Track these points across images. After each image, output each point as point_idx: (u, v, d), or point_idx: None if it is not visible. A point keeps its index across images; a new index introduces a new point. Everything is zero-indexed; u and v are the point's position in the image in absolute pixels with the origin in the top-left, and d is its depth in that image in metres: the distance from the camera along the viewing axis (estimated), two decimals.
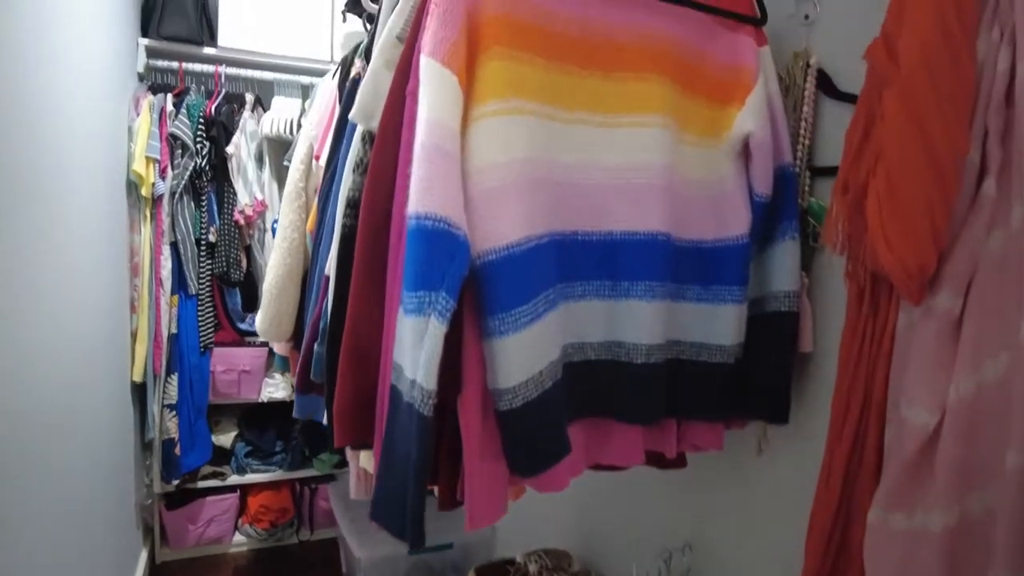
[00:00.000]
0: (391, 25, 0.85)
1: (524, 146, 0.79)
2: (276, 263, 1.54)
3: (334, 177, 1.22)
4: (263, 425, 2.65)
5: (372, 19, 2.31)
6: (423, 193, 0.71)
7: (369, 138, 0.90)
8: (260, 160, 2.43)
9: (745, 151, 0.93)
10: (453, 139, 0.73)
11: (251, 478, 2.60)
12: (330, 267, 0.99)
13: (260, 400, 2.55)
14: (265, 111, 2.50)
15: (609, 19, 0.86)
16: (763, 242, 0.97)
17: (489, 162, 0.76)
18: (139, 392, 2.23)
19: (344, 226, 0.91)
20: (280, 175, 2.51)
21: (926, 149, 0.70)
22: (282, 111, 2.45)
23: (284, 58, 2.47)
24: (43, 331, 1.20)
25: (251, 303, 2.51)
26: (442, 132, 0.72)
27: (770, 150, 0.92)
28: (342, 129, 1.25)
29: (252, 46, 2.42)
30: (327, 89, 1.55)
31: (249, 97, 2.45)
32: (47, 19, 1.26)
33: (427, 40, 0.74)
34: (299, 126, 2.45)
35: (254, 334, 2.48)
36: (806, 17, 1.01)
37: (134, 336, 2.17)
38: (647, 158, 0.89)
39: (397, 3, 0.96)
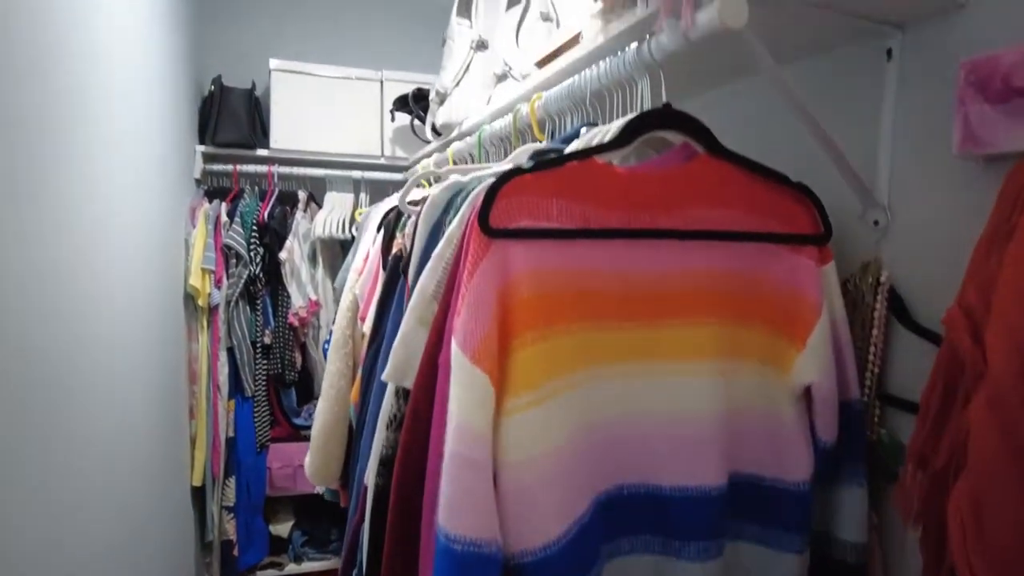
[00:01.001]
0: (424, 284, 0.82)
1: (562, 428, 0.74)
2: (323, 410, 1.54)
3: (376, 357, 1.20)
4: (319, 514, 2.67)
5: (421, 120, 2.31)
6: (452, 512, 0.67)
7: (403, 394, 0.86)
8: (313, 259, 2.46)
9: (807, 394, 0.85)
10: (483, 446, 0.68)
11: (308, 567, 2.61)
12: (366, 494, 0.96)
13: (316, 491, 2.56)
14: (319, 207, 2.54)
15: (655, 267, 0.80)
16: (827, 482, 0.89)
17: (524, 457, 0.71)
18: (198, 495, 2.28)
19: (377, 485, 0.87)
20: (333, 271, 2.53)
21: (1021, 481, 0.61)
22: (334, 209, 2.48)
23: (335, 155, 2.49)
24: (106, 443, 1.22)
25: (306, 396, 2.54)
26: (472, 440, 0.68)
27: (835, 397, 0.83)
28: (386, 303, 1.23)
29: (303, 145, 2.45)
30: (371, 238, 1.54)
31: (302, 195, 2.48)
32: (119, 135, 1.31)
33: (458, 328, 0.70)
34: (351, 222, 2.47)
35: (309, 427, 2.51)
36: (875, 223, 0.92)
37: (193, 441, 2.21)
38: (698, 408, 0.82)
39: (427, 237, 0.92)
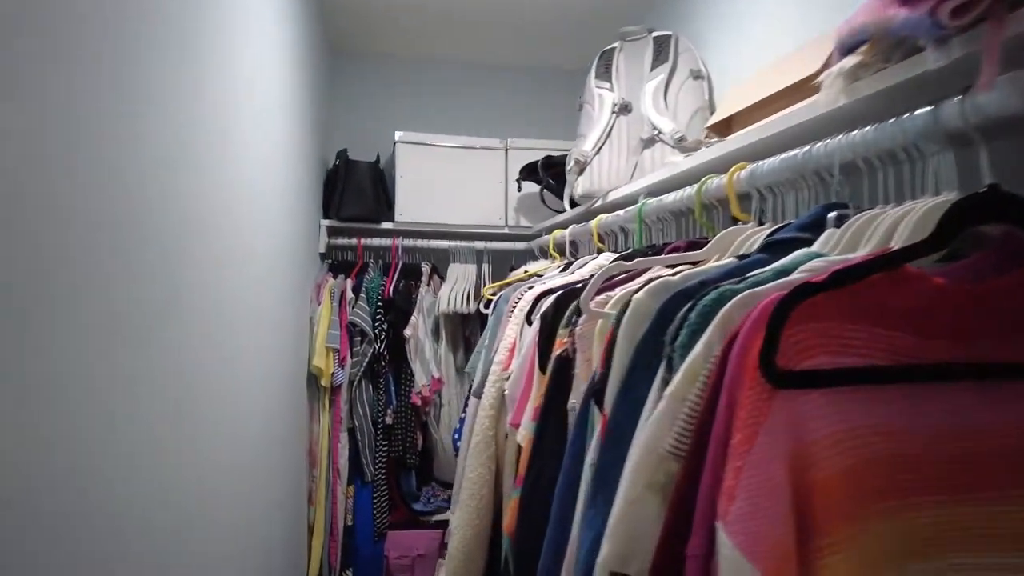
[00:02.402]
0: (653, 437, 0.62)
1: None
2: (463, 523, 1.36)
3: (539, 483, 1.01)
4: None
5: (550, 190, 2.17)
6: None
7: None
8: (436, 334, 2.34)
9: None
10: None
11: None
12: None
13: None
14: (441, 279, 2.43)
15: (967, 419, 0.57)
16: None
17: None
18: None
19: None
20: (455, 345, 2.40)
21: None
22: (457, 282, 2.36)
23: (459, 226, 2.39)
24: (222, 528, 1.09)
25: (426, 478, 2.38)
26: None
27: None
28: (548, 416, 1.05)
29: (427, 217, 2.37)
30: (515, 327, 1.37)
31: (425, 267, 2.39)
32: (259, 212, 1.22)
33: (734, 519, 0.50)
34: (476, 295, 2.34)
35: (429, 513, 2.35)
36: None
37: (311, 530, 2.09)
38: None
39: (633, 358, 0.73)
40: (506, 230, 2.43)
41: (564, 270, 1.73)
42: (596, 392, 0.81)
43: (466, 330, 2.48)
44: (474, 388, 1.50)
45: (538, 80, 2.83)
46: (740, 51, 1.72)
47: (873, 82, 0.75)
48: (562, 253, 1.99)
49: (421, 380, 2.22)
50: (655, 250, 1.23)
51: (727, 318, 0.61)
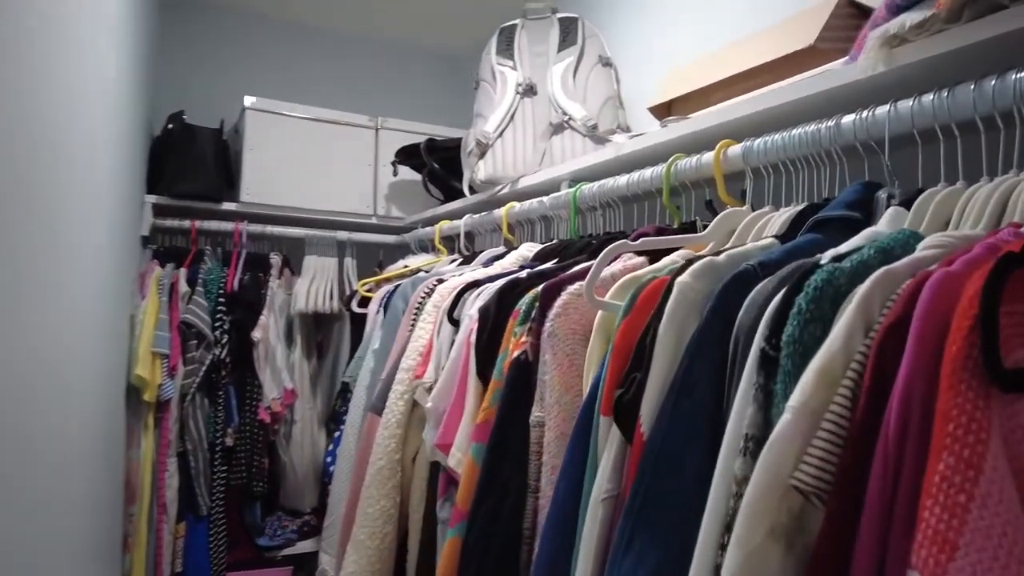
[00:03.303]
0: (776, 461, 0.45)
1: None
2: (359, 568, 1.09)
3: (495, 515, 0.80)
4: None
5: (435, 176, 1.95)
6: None
7: None
8: (289, 338, 2.00)
9: None
10: None
11: None
12: None
13: None
14: (294, 273, 2.09)
15: None
16: None
17: None
18: None
19: None
20: (309, 350, 2.07)
21: None
22: (316, 277, 2.04)
23: (318, 212, 2.07)
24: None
25: (271, 507, 2.02)
26: None
27: None
28: (506, 434, 0.84)
29: (280, 199, 2.02)
30: (429, 326, 1.15)
31: (275, 259, 2.03)
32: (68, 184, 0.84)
33: None
34: (341, 293, 2.04)
35: (275, 548, 1.99)
36: None
37: None
38: None
39: (691, 357, 0.56)
40: (374, 220, 2.15)
41: (464, 263, 1.52)
42: (621, 402, 0.62)
43: (319, 334, 2.16)
44: (370, 402, 1.24)
45: (414, 60, 2.59)
46: (650, 41, 1.65)
47: (930, 45, 0.66)
48: (451, 247, 1.78)
49: (271, 392, 1.87)
50: (600, 240, 1.07)
51: (867, 302, 0.46)
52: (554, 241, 1.26)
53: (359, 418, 1.33)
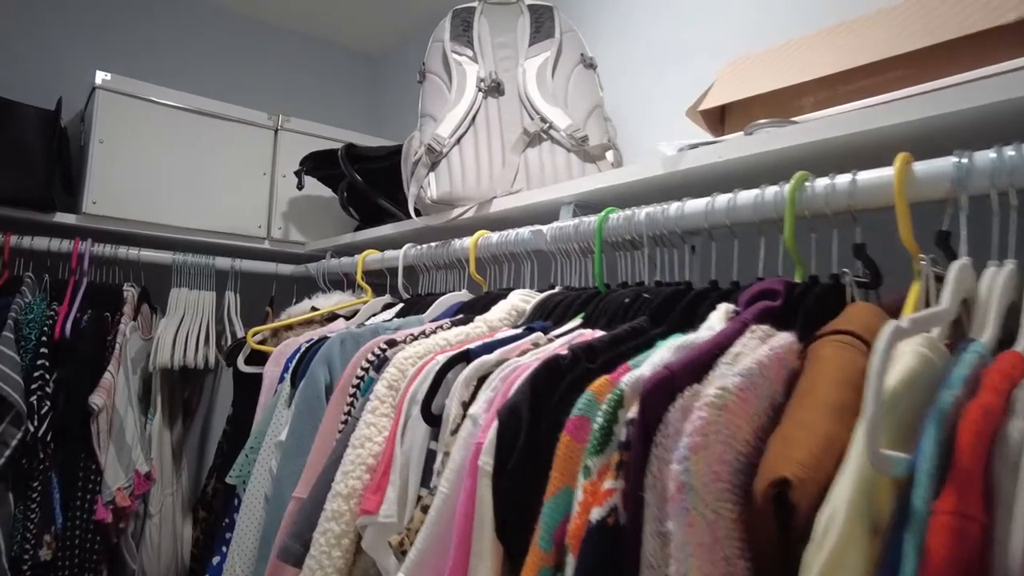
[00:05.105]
0: None
1: None
2: None
3: None
4: None
5: (355, 192, 1.52)
6: None
7: None
8: (145, 399, 1.47)
9: None
10: None
11: None
12: None
13: None
14: (153, 310, 1.57)
15: None
16: None
17: None
18: None
19: None
20: (172, 413, 1.56)
21: None
22: (185, 317, 1.54)
23: (191, 231, 1.57)
24: None
25: None
26: None
27: None
28: None
29: (138, 212, 1.51)
30: (392, 424, 0.72)
31: (130, 292, 1.50)
32: None
33: None
34: (210, 339, 1.55)
35: None
36: None
37: None
38: None
39: None
40: (267, 244, 1.68)
41: (408, 311, 1.12)
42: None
43: (186, 387, 1.65)
44: (280, 543, 0.78)
45: (324, 55, 2.15)
46: (677, 35, 1.33)
47: None
48: (378, 285, 1.36)
49: (117, 479, 1.34)
50: (662, 295, 0.72)
51: None
52: (558, 290, 0.89)
53: (252, 558, 0.87)
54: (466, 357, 0.70)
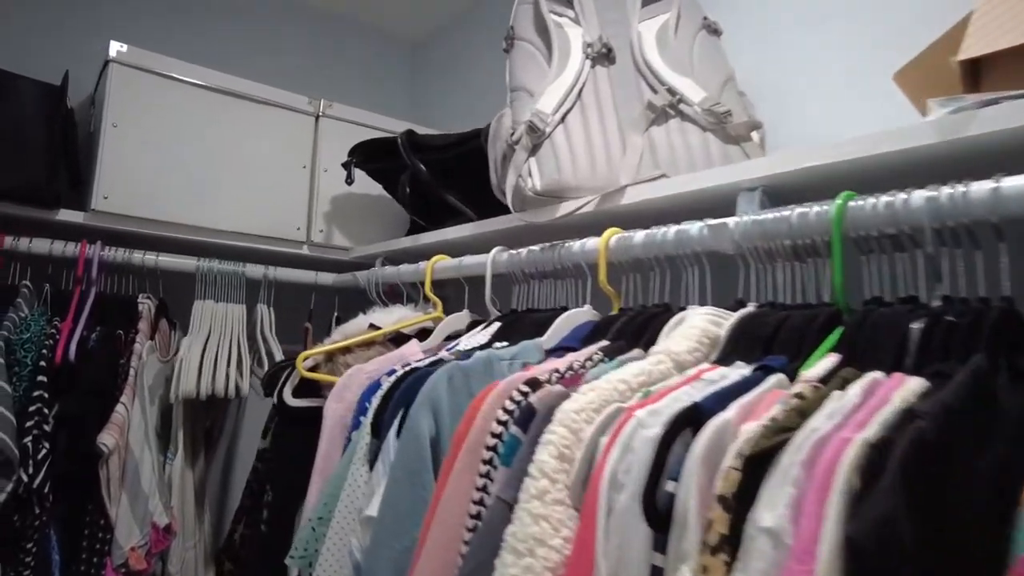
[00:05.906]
0: None
1: None
2: None
3: None
4: None
5: (419, 186, 1.26)
6: None
7: None
8: (165, 435, 1.22)
9: None
10: None
11: None
12: None
13: None
14: (173, 327, 1.32)
15: None
16: None
17: None
18: None
19: None
20: (195, 449, 1.31)
21: None
22: (212, 336, 1.29)
23: (221, 233, 1.33)
24: None
25: None
26: None
27: None
28: None
29: (156, 210, 1.26)
30: (594, 518, 0.48)
31: (146, 305, 1.26)
32: None
33: None
34: (242, 363, 1.30)
35: None
36: None
37: None
38: None
39: None
40: (306, 249, 1.44)
41: (506, 335, 0.87)
42: None
43: (207, 417, 1.40)
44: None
45: (366, 40, 1.92)
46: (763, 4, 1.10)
47: None
48: (441, 298, 1.11)
49: (131, 537, 1.09)
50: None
51: None
52: (755, 307, 0.64)
53: None
54: (695, 418, 0.45)
